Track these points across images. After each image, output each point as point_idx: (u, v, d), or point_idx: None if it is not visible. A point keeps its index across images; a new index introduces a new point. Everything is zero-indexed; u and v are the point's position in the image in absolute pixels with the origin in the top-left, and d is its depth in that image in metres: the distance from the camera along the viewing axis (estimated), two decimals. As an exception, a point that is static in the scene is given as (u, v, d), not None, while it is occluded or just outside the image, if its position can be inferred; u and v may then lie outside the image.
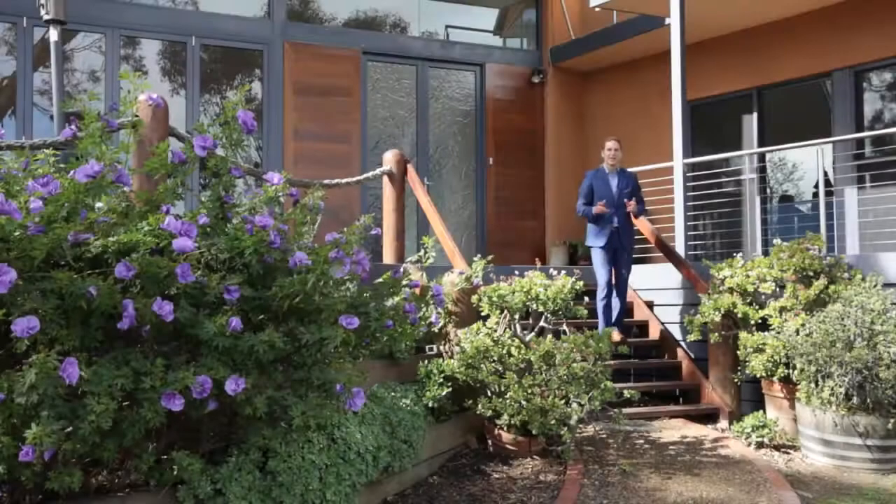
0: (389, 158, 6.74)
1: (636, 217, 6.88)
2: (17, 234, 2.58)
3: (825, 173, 7.85)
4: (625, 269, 6.81)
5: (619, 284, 6.79)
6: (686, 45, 8.10)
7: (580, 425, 5.07)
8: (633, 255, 7.03)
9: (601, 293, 6.70)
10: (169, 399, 2.65)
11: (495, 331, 5.23)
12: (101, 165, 2.90)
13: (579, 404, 4.80)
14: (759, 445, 5.47)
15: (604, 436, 5.60)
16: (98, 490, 2.99)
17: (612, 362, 5.22)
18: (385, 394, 4.42)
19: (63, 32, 5.91)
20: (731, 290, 6.07)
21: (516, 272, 5.87)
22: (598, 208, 6.62)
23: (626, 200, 6.68)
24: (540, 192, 10.91)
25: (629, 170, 7.03)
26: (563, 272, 5.59)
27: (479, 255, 5.81)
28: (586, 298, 6.76)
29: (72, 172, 2.97)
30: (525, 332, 5.44)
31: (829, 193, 8.06)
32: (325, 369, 3.21)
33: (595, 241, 6.74)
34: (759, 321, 5.92)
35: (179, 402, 2.66)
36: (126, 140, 3.67)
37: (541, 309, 5.32)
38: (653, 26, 9.36)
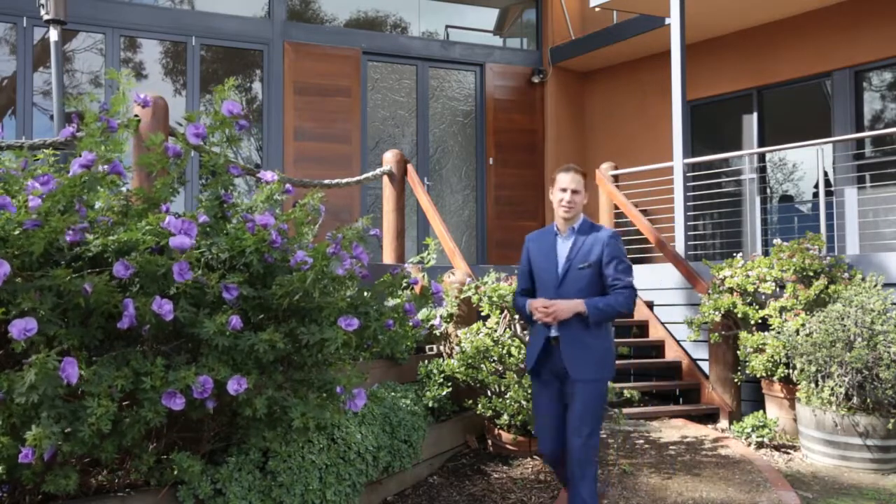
0: (389, 158, 6.74)
1: (594, 322, 3.48)
2: (16, 232, 2.58)
3: (825, 173, 7.85)
4: (577, 421, 3.44)
5: (571, 448, 3.45)
6: (686, 45, 8.10)
7: (580, 425, 5.06)
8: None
9: (545, 460, 3.86)
10: (170, 398, 2.64)
11: (495, 331, 5.22)
12: (93, 154, 2.89)
13: (579, 404, 4.79)
14: (760, 445, 5.46)
15: (604, 436, 5.60)
16: (98, 490, 2.98)
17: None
18: (385, 394, 4.42)
19: (63, 32, 5.90)
20: (731, 290, 6.07)
21: (516, 272, 5.86)
22: (532, 305, 3.56)
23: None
24: (540, 192, 10.91)
25: (603, 227, 3.69)
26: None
27: (479, 257, 5.80)
28: (586, 298, 6.74)
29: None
30: (525, 332, 5.44)
31: (829, 193, 8.06)
32: (325, 370, 3.21)
33: (526, 360, 3.75)
34: (760, 321, 5.92)
35: (180, 401, 2.65)
36: (123, 139, 3.66)
37: (541, 309, 5.31)
38: (653, 26, 9.37)
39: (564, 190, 3.61)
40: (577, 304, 3.45)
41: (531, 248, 3.78)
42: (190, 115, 3.25)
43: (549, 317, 3.47)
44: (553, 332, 3.55)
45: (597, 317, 3.46)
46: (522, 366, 4.95)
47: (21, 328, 2.39)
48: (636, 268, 7.72)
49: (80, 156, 2.93)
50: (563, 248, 3.63)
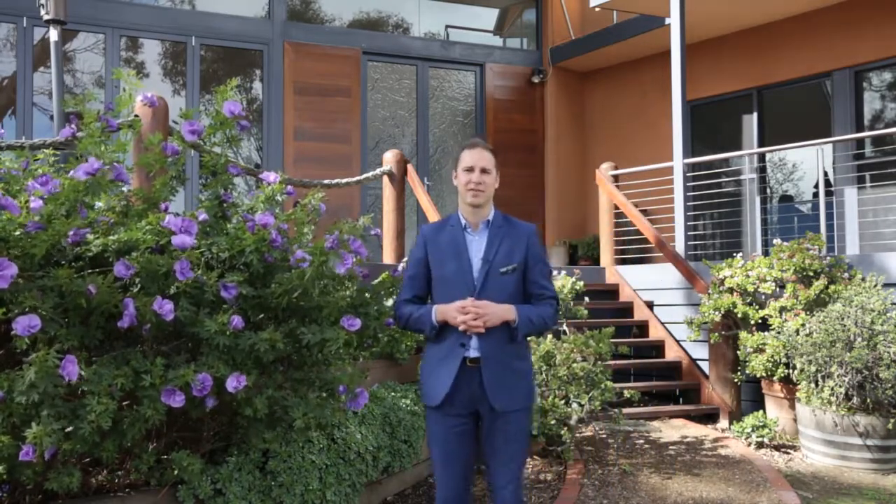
0: (389, 158, 6.74)
1: (522, 334, 2.77)
2: (17, 233, 2.58)
3: (825, 173, 7.85)
4: (506, 462, 2.77)
5: (502, 498, 2.76)
6: (686, 45, 8.10)
7: (580, 425, 5.07)
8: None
9: None
10: (169, 395, 2.63)
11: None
12: (100, 163, 2.89)
13: (579, 404, 4.79)
14: (759, 445, 5.46)
15: (604, 436, 5.60)
16: (98, 490, 2.98)
17: (612, 362, 5.21)
18: (385, 394, 4.42)
19: (63, 32, 5.90)
20: (731, 290, 6.07)
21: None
22: (444, 311, 2.78)
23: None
24: (540, 192, 10.91)
25: (518, 220, 2.95)
26: (563, 272, 5.59)
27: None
28: (586, 298, 6.75)
29: (72, 172, 2.97)
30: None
31: (829, 193, 8.06)
32: (325, 369, 3.21)
33: (427, 392, 2.86)
34: (760, 321, 5.92)
35: (180, 398, 2.64)
36: (126, 140, 3.66)
37: (541, 309, 5.31)
38: (653, 26, 9.37)
39: (471, 169, 2.82)
40: (506, 311, 2.72)
41: (430, 245, 2.91)
42: (186, 113, 3.24)
43: (479, 320, 2.68)
44: (472, 353, 2.73)
45: (527, 330, 2.77)
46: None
47: (25, 325, 2.40)
48: (636, 267, 7.74)
49: (81, 156, 2.93)
50: (476, 246, 2.85)
